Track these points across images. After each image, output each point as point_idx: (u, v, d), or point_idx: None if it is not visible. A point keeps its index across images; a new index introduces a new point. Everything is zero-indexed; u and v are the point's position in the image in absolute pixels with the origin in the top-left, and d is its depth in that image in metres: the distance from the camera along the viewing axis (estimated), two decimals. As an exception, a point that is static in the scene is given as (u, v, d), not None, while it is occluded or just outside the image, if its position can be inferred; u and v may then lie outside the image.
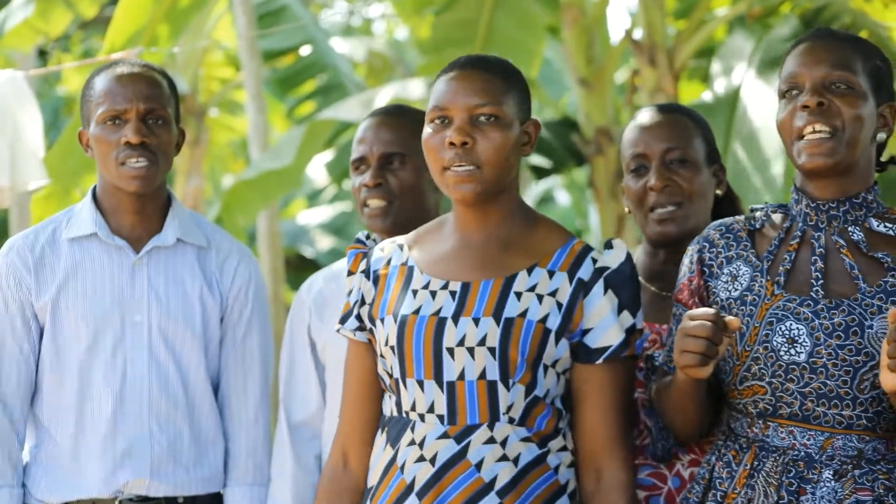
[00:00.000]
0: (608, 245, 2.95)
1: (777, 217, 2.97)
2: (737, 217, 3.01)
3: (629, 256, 2.93)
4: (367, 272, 3.00)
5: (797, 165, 2.86)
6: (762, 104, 7.19)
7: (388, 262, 2.98)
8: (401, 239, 3.03)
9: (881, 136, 2.91)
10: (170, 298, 3.49)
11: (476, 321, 2.85)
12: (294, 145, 8.00)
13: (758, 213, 2.98)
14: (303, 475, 3.60)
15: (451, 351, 2.85)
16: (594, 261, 2.91)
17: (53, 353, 3.47)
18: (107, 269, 3.48)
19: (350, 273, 3.04)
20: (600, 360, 2.89)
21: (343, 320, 3.03)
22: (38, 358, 3.50)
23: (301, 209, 16.81)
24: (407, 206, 3.46)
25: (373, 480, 2.95)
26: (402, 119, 3.54)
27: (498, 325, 2.84)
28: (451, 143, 2.85)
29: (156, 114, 3.44)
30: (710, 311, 2.70)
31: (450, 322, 2.86)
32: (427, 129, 2.92)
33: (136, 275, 3.49)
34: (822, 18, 7.49)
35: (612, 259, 2.92)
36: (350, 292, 3.02)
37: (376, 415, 3.01)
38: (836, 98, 2.84)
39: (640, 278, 3.29)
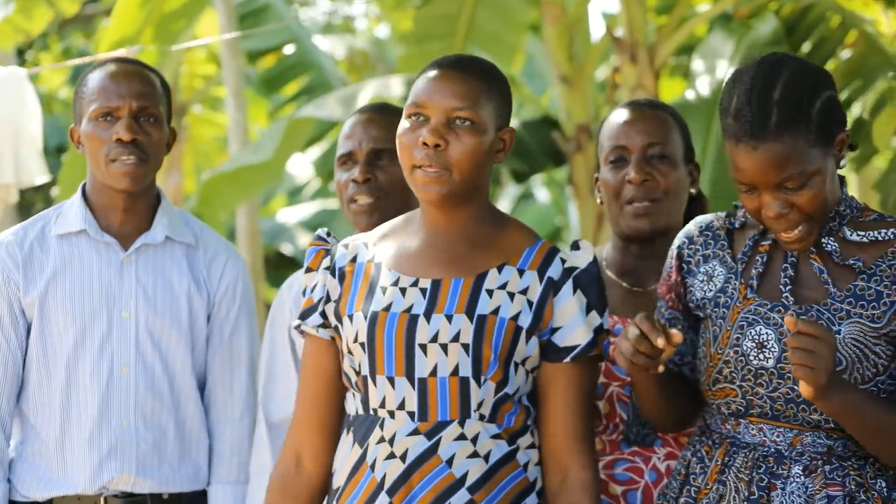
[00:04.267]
0: (575, 246, 2.96)
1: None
2: (719, 214, 2.99)
3: (595, 258, 2.93)
4: (331, 269, 2.96)
5: None
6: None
7: (354, 260, 2.96)
8: (365, 237, 3.00)
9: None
10: (157, 295, 3.49)
11: (449, 318, 2.84)
12: (274, 141, 7.99)
13: (739, 212, 2.95)
14: (281, 475, 3.58)
15: (423, 347, 2.84)
16: (563, 261, 2.91)
17: (40, 349, 3.47)
18: (95, 265, 3.49)
19: (309, 269, 2.99)
20: (567, 359, 2.88)
21: (304, 316, 2.97)
22: (24, 354, 3.50)
23: (282, 206, 16.78)
24: (394, 204, 3.44)
25: (340, 481, 2.91)
26: (390, 116, 3.52)
27: (471, 322, 2.83)
28: (424, 144, 2.84)
29: (148, 112, 3.44)
30: (648, 323, 2.71)
31: (422, 319, 2.85)
32: (404, 124, 2.89)
33: (125, 272, 3.49)
34: (808, 19, 7.45)
35: (581, 259, 2.92)
36: (312, 288, 2.97)
37: (334, 415, 2.96)
38: None
39: (612, 274, 3.30)
